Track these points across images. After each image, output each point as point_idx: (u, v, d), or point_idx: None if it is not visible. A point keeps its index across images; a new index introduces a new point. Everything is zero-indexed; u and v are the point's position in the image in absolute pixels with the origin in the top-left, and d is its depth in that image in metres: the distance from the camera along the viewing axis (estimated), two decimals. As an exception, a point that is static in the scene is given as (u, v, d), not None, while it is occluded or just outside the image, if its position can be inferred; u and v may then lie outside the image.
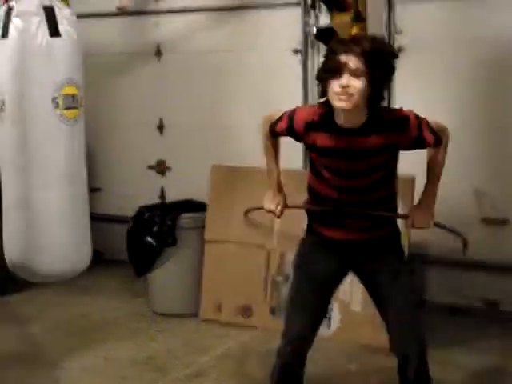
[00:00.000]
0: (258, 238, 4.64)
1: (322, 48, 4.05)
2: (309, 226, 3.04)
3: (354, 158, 2.75)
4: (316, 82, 2.75)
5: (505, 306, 4.74)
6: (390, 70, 2.69)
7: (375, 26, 4.71)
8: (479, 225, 4.70)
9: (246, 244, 4.69)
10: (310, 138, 2.81)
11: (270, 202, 3.09)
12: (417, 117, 2.77)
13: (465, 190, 4.70)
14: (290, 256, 4.36)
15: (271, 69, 5.27)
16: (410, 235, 4.23)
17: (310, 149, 2.87)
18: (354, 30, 4.33)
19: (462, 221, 4.39)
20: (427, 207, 2.91)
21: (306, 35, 5.06)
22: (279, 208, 3.07)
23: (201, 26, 5.55)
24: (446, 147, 2.87)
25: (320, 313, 3.02)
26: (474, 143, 4.66)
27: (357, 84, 2.56)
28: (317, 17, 4.93)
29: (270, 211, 3.10)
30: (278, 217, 3.10)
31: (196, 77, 5.57)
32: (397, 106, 4.61)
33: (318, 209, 2.94)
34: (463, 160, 4.51)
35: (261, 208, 3.15)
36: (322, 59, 2.75)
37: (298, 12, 5.05)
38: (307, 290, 2.96)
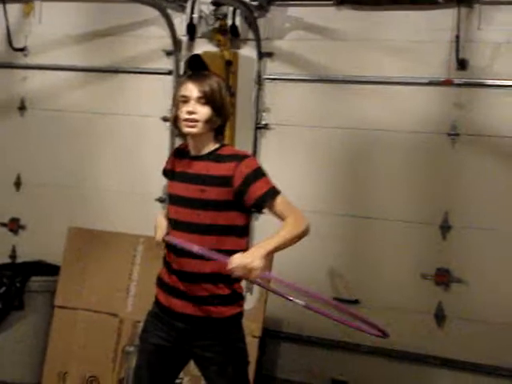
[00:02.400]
0: (110, 306, 4.50)
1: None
2: (155, 294, 2.99)
3: (195, 183, 2.83)
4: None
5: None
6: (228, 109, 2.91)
7: (244, 101, 4.84)
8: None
9: (97, 312, 4.53)
10: (174, 166, 3.01)
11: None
12: (260, 167, 2.82)
13: (320, 269, 4.80)
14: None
15: (139, 134, 5.25)
16: (265, 311, 4.25)
17: (169, 176, 3.02)
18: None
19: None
20: (250, 251, 2.66)
21: (175, 104, 5.07)
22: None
23: (69, 84, 5.47)
24: (294, 229, 2.71)
25: None
26: (331, 225, 4.80)
27: (202, 110, 2.80)
28: (188, 87, 4.98)
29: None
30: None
31: (59, 135, 5.45)
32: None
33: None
34: (320, 240, 4.62)
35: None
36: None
37: (169, 80, 5.08)
38: (144, 367, 2.93)
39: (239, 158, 2.81)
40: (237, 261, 2.61)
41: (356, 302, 4.76)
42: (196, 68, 4.55)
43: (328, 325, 4.64)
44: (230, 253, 2.70)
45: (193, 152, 2.90)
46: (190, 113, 2.80)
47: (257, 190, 2.77)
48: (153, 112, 5.17)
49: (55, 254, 4.83)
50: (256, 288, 4.15)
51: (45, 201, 5.50)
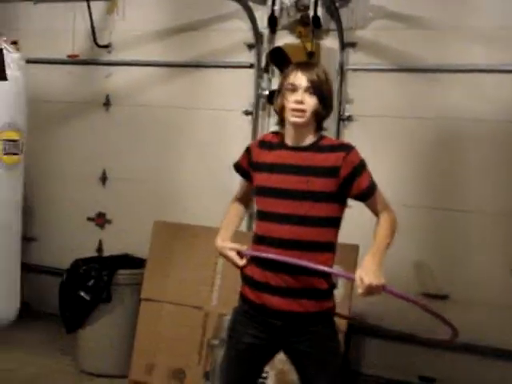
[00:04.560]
0: (195, 300, 4.52)
1: (273, 111, 4.06)
2: (241, 291, 2.94)
3: (299, 174, 2.77)
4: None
5: (440, 383, 4.70)
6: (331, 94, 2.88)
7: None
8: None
9: (182, 305, 4.56)
10: (262, 157, 2.88)
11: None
12: (364, 160, 2.81)
13: (408, 263, 4.69)
14: (229, 319, 4.27)
15: (221, 128, 5.25)
16: (351, 306, 4.19)
17: (259, 168, 2.89)
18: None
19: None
20: (372, 267, 2.61)
21: (258, 97, 5.07)
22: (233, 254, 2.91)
23: (152, 80, 5.53)
24: (392, 227, 2.76)
25: None
26: (418, 218, 4.69)
27: (310, 101, 2.75)
28: (270, 80, 4.97)
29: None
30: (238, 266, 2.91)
31: (143, 130, 5.52)
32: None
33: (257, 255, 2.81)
34: (405, 234, 4.52)
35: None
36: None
37: (251, 74, 5.07)
38: (233, 364, 2.90)
39: (347, 148, 2.79)
40: (366, 281, 2.55)
41: (445, 297, 4.64)
42: (278, 60, 4.56)
43: (415, 320, 4.58)
44: (326, 245, 2.76)
45: (292, 143, 2.83)
46: (299, 102, 2.76)
47: (363, 181, 2.77)
48: (235, 106, 5.17)
49: (141, 248, 4.89)
50: (341, 283, 4.09)
51: (130, 195, 5.59)
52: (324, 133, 2.90)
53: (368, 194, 2.79)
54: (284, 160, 2.82)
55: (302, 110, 2.76)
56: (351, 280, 2.72)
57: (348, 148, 2.79)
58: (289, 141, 2.84)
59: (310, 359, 2.81)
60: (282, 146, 2.86)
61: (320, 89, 2.78)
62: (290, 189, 2.77)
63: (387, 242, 2.72)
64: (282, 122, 2.88)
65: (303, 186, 2.75)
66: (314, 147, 2.81)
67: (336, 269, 2.80)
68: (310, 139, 2.82)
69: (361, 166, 2.78)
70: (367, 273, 2.57)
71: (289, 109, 2.78)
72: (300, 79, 2.77)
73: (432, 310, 2.74)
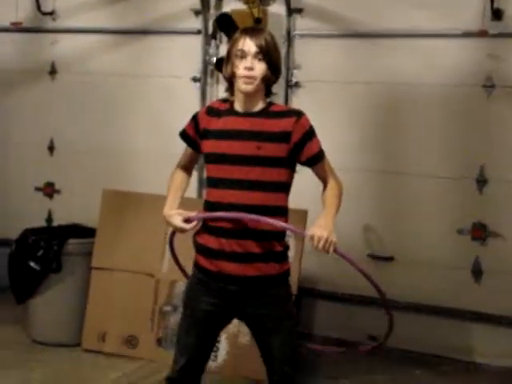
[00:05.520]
0: (146, 267, 4.54)
1: (221, 77, 4.06)
2: (195, 260, 2.95)
3: (249, 140, 2.78)
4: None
5: (389, 342, 4.81)
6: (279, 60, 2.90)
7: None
8: (366, 260, 4.77)
9: (134, 272, 4.57)
10: (211, 124, 2.87)
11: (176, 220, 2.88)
12: (313, 126, 2.85)
13: (355, 226, 4.78)
14: (180, 285, 4.31)
15: (169, 95, 5.23)
16: (300, 270, 4.25)
17: (208, 135, 2.87)
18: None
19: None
20: (326, 225, 2.67)
21: (205, 64, 5.05)
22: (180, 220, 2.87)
23: (98, 47, 5.45)
24: (339, 193, 2.84)
25: (203, 352, 2.96)
26: (364, 181, 4.77)
27: (260, 67, 2.77)
28: (217, 46, 4.95)
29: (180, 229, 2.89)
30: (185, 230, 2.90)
31: (91, 99, 5.45)
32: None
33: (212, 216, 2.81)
34: (353, 198, 4.60)
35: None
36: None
37: (198, 40, 5.05)
38: (190, 332, 2.92)
39: (298, 113, 2.82)
40: (318, 234, 2.61)
41: (391, 258, 4.75)
42: (225, 27, 4.54)
43: (363, 282, 4.67)
44: (277, 209, 2.80)
45: (241, 109, 2.84)
46: (249, 69, 2.76)
47: (313, 146, 2.82)
48: (183, 73, 5.15)
49: (90, 218, 4.85)
50: (292, 245, 4.16)
51: (79, 164, 5.54)
52: (273, 98, 2.92)
53: (317, 159, 2.84)
54: (233, 126, 2.83)
55: (253, 77, 2.76)
56: (305, 236, 2.73)
57: (298, 113, 2.82)
58: (238, 107, 2.85)
59: (268, 322, 2.86)
60: (231, 112, 2.86)
61: (269, 54, 2.78)
62: (240, 154, 2.78)
63: (336, 206, 2.80)
64: (231, 88, 2.87)
65: (254, 151, 2.76)
66: (264, 113, 2.82)
67: (289, 225, 2.82)
68: (260, 105, 2.84)
69: (311, 132, 2.82)
70: (320, 229, 2.63)
71: (239, 76, 2.78)
72: (248, 45, 2.77)
73: (363, 271, 2.84)
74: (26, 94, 5.68)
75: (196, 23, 5.09)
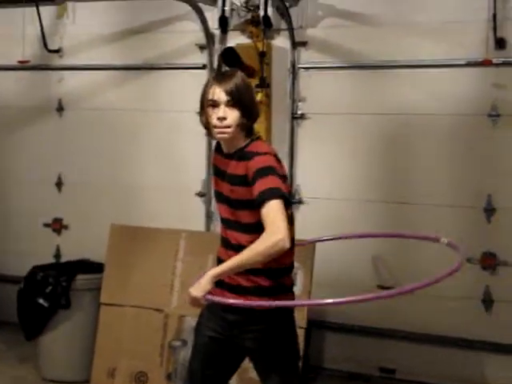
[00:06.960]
0: (155, 302, 4.53)
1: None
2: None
3: (227, 182, 2.80)
4: None
5: (400, 374, 4.78)
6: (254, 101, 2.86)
7: (279, 92, 4.82)
8: (376, 291, 4.73)
9: (143, 308, 4.56)
10: (215, 161, 2.95)
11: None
12: (269, 165, 2.69)
13: (364, 257, 4.76)
14: (189, 320, 4.29)
15: (176, 129, 5.26)
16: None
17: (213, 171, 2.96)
18: (259, 97, 4.41)
19: (358, 286, 4.52)
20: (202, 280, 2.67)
21: (211, 98, 5.07)
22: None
23: (105, 83, 5.50)
24: (263, 249, 2.57)
25: (209, 381, 2.93)
26: (373, 212, 4.76)
27: (232, 114, 2.72)
28: (222, 81, 4.97)
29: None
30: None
31: (98, 134, 5.49)
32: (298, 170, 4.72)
33: None
34: (362, 228, 4.60)
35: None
36: None
37: (203, 75, 5.07)
38: (195, 355, 2.94)
39: (250, 156, 2.71)
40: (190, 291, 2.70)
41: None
42: (230, 61, 4.57)
43: (372, 313, 4.65)
44: None
45: (225, 149, 2.85)
46: (222, 119, 2.72)
47: (255, 189, 2.64)
48: (188, 107, 5.15)
49: (99, 253, 4.86)
50: (299, 279, 4.15)
51: (86, 200, 5.55)
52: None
53: (257, 204, 2.63)
54: (220, 166, 2.87)
55: (227, 126, 2.72)
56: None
57: (250, 156, 2.72)
58: (224, 148, 2.86)
59: (257, 357, 2.85)
60: (220, 151, 2.89)
61: (240, 100, 2.72)
62: (225, 195, 2.83)
63: (239, 261, 2.63)
64: (210, 134, 2.81)
65: (229, 193, 2.80)
66: (237, 155, 2.79)
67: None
68: (239, 145, 2.79)
69: (257, 174, 2.66)
70: (193, 288, 2.69)
71: (212, 126, 2.75)
72: (218, 94, 2.71)
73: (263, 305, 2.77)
74: (33, 130, 5.73)
75: (201, 58, 5.13)
